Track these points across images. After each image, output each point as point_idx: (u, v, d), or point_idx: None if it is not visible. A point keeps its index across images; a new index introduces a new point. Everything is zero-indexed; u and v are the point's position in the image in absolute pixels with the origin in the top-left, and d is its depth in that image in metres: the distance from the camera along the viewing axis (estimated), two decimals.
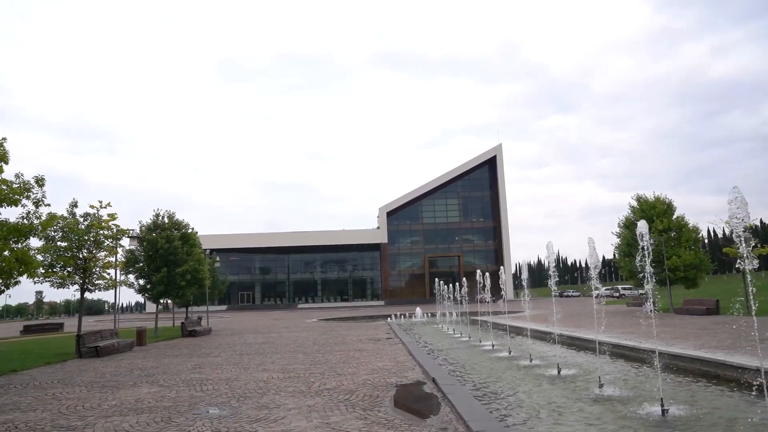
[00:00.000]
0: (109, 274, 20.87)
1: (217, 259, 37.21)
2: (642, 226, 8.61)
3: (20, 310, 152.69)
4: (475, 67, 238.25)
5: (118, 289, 21.96)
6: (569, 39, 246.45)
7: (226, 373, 12.32)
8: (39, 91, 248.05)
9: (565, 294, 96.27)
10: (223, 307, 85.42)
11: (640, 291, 73.15)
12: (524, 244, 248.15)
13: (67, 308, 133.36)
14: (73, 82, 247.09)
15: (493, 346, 18.03)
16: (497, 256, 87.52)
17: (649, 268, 8.41)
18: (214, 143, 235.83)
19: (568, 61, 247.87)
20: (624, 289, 73.94)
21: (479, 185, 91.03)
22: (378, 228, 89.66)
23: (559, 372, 11.88)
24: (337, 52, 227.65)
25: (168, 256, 26.51)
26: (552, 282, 12.94)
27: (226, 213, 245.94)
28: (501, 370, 12.70)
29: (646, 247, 8.42)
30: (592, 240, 10.59)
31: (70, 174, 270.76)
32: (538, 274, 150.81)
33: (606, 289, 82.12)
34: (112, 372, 13.29)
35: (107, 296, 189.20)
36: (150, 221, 27.48)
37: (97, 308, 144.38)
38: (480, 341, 19.93)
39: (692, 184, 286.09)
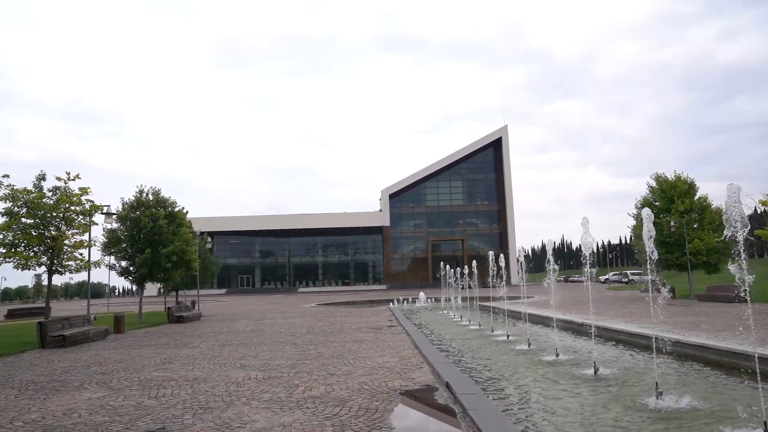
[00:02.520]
0: (82, 254, 18.87)
1: (209, 239, 35.15)
2: (733, 190, 6.37)
3: (20, 293, 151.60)
4: (478, 51, 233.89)
5: (91, 271, 19.91)
6: (573, 22, 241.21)
7: (197, 371, 10.31)
8: (40, 76, 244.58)
9: (571, 279, 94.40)
10: (222, 291, 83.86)
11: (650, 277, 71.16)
12: (526, 230, 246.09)
13: (66, 291, 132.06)
14: (74, 66, 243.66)
15: (508, 336, 16.03)
16: (501, 240, 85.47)
17: (742, 246, 6.21)
18: (215, 128, 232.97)
19: (573, 45, 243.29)
20: (633, 274, 71.76)
21: (484, 167, 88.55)
22: (380, 210, 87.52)
23: (595, 372, 9.83)
24: (338, 35, 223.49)
25: (152, 236, 24.50)
26: (587, 265, 10.86)
27: (227, 198, 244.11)
28: (524, 369, 10.65)
29: (738, 217, 6.21)
30: (648, 210, 8.43)
31: (72, 158, 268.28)
32: (542, 259, 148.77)
33: (613, 274, 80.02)
34: (65, 368, 11.30)
35: (102, 278, 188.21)
36: (133, 198, 25.40)
37: (96, 291, 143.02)
38: (492, 330, 17.93)
39: (696, 170, 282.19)
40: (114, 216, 22.70)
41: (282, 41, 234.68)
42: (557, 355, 11.94)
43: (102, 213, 19.77)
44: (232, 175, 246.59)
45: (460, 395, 7.02)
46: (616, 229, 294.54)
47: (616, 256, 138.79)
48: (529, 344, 14.00)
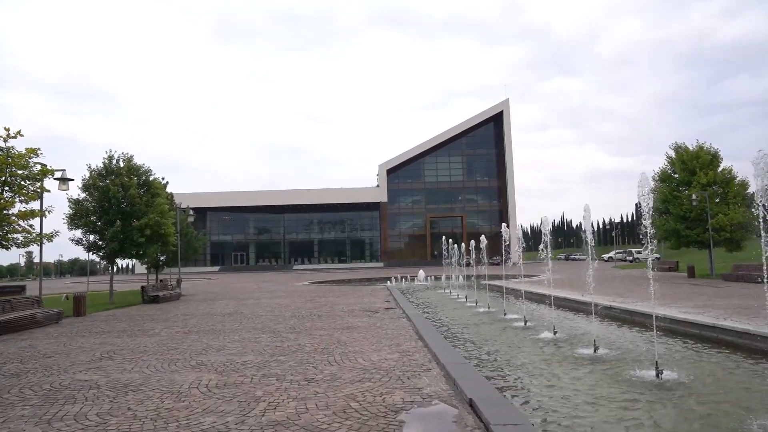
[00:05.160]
0: (32, 225, 16.30)
1: (191, 213, 32.54)
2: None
3: (11, 271, 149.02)
4: (477, 28, 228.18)
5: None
6: None
7: (135, 372, 7.87)
8: (35, 52, 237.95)
9: (572, 257, 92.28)
10: (216, 269, 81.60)
11: (656, 255, 69.03)
12: (525, 208, 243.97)
13: (59, 269, 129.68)
14: (70, 42, 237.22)
15: (525, 322, 13.69)
16: (501, 217, 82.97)
17: None
18: (212, 105, 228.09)
19: (573, 23, 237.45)
20: (638, 252, 69.60)
21: (484, 143, 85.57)
22: (377, 186, 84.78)
23: (658, 375, 7.45)
24: (336, 11, 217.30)
25: (123, 207, 21.94)
26: (647, 243, 8.42)
27: (224, 176, 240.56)
28: (563, 369, 8.23)
29: None
30: (765, 157, 5.91)
31: (69, 135, 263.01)
32: (540, 237, 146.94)
33: (617, 253, 77.83)
34: None
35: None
36: (101, 165, 22.73)
37: (90, 268, 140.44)
38: (505, 314, 15.60)
39: None
40: (78, 184, 20.05)
41: (279, 17, 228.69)
42: (596, 349, 9.56)
43: (55, 178, 17.14)
44: (229, 154, 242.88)
45: (496, 428, 4.57)
46: (615, 207, 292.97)
47: (618, 234, 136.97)
48: (555, 332, 11.65)
